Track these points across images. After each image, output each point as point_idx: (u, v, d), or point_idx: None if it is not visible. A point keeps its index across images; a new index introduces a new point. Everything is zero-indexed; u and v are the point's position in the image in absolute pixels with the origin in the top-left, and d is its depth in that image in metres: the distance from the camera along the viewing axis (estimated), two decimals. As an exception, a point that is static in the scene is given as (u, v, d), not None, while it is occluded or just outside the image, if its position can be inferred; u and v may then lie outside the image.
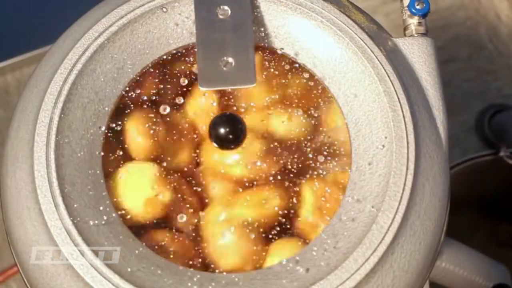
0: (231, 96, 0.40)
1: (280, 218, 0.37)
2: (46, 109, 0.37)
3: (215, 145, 0.37)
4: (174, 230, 0.37)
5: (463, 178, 0.71)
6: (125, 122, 0.38)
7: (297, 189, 0.37)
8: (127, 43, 0.39)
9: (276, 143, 0.38)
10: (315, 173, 0.38)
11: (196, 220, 0.37)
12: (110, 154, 0.38)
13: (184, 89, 0.40)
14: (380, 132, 0.37)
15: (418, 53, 0.40)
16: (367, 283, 0.34)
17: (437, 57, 0.41)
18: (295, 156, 0.38)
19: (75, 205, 0.35)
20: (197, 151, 0.39)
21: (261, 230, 0.37)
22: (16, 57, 0.84)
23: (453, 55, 0.90)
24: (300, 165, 0.38)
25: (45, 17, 0.83)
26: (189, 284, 0.34)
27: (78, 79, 0.38)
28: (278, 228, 0.37)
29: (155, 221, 0.37)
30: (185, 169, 0.38)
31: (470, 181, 0.72)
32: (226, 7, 0.38)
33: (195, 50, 0.39)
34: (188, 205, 0.37)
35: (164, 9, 0.39)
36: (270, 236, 0.37)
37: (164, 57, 0.40)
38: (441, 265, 0.57)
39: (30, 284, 0.37)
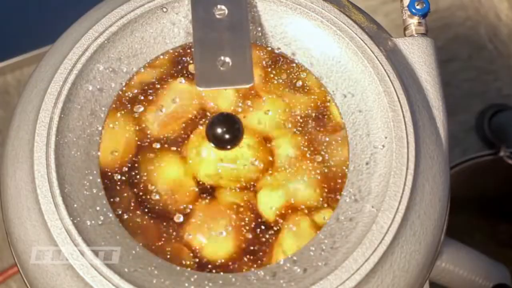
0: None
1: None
2: (46, 109, 0.37)
3: (212, 145, 0.37)
4: (171, 230, 0.37)
5: (463, 178, 0.71)
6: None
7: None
8: (125, 43, 0.39)
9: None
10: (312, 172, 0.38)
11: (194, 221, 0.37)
12: (108, 155, 0.38)
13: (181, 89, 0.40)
14: (380, 132, 0.37)
15: (418, 53, 0.40)
16: (367, 283, 0.34)
17: (437, 57, 0.41)
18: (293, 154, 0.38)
19: (75, 205, 0.35)
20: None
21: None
22: (16, 57, 0.84)
23: (453, 55, 0.90)
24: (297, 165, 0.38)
25: (45, 17, 0.83)
26: (186, 284, 0.34)
27: (78, 79, 0.38)
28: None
29: (152, 221, 0.37)
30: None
31: (470, 181, 0.72)
32: (223, 7, 0.38)
33: (192, 50, 0.39)
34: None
35: (164, 9, 0.39)
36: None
37: (161, 56, 0.40)
38: (441, 265, 0.57)
39: (30, 284, 0.37)
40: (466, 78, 0.90)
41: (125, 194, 0.37)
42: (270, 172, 0.38)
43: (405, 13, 0.42)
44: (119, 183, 0.37)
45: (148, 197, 0.37)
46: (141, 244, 0.36)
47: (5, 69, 0.85)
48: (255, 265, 0.36)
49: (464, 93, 0.89)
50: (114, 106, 0.39)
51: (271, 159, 0.38)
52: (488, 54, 0.91)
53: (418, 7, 0.42)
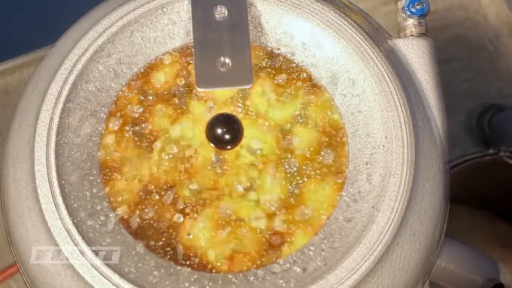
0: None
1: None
2: (47, 110, 0.37)
3: (213, 145, 0.37)
4: (171, 230, 0.37)
5: (463, 178, 0.71)
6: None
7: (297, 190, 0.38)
8: (125, 44, 0.39)
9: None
10: (312, 172, 0.38)
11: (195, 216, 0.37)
12: (108, 155, 0.38)
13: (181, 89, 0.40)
14: (380, 132, 0.37)
15: (418, 53, 0.41)
16: (366, 283, 0.34)
17: (436, 57, 0.41)
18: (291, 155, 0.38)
19: (75, 205, 0.35)
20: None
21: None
22: (16, 58, 0.84)
23: (453, 55, 0.90)
24: (296, 165, 0.38)
25: (45, 17, 0.83)
26: (187, 284, 0.34)
27: (78, 79, 0.38)
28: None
29: (152, 221, 0.37)
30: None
31: (470, 181, 0.72)
32: (223, 7, 0.39)
33: (192, 50, 0.39)
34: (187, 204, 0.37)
35: (164, 9, 0.40)
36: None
37: (161, 56, 0.40)
38: (441, 264, 0.57)
39: (31, 283, 0.37)
40: (466, 78, 0.90)
41: (126, 194, 0.37)
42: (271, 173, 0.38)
43: (405, 13, 0.42)
44: (119, 183, 0.37)
45: (149, 197, 0.37)
46: (141, 244, 0.36)
47: (5, 70, 0.85)
48: (255, 265, 0.36)
49: (464, 93, 0.89)
50: (114, 106, 0.39)
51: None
52: (488, 54, 0.91)
53: (417, 7, 0.42)
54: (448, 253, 0.58)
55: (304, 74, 0.40)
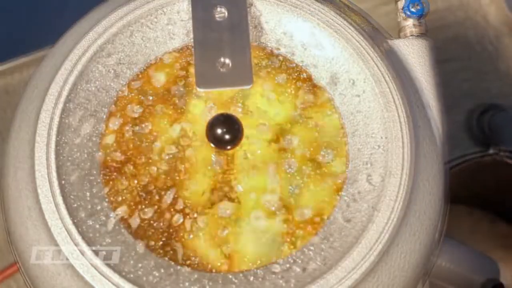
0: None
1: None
2: (47, 110, 0.37)
3: (213, 145, 0.37)
4: (171, 230, 0.37)
5: (463, 178, 0.71)
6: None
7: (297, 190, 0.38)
8: (125, 44, 0.39)
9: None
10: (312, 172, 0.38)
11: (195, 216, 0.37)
12: (108, 155, 0.38)
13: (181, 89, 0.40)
14: (380, 132, 0.37)
15: (418, 53, 0.41)
16: (366, 283, 0.34)
17: (436, 58, 0.41)
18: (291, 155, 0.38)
19: (75, 205, 0.36)
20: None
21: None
22: (16, 58, 0.84)
23: (452, 55, 0.90)
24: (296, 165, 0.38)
25: (45, 17, 0.83)
26: (187, 284, 0.35)
27: (79, 79, 0.38)
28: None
29: (152, 221, 0.37)
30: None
31: (470, 181, 0.72)
32: (223, 8, 0.39)
33: (192, 50, 0.39)
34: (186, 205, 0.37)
35: (164, 10, 0.40)
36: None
37: (161, 56, 0.40)
38: (441, 264, 0.57)
39: (31, 283, 0.37)
40: (465, 78, 0.90)
41: (126, 194, 0.37)
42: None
43: (404, 13, 0.42)
44: (119, 183, 0.37)
45: (149, 196, 0.37)
46: (141, 244, 0.36)
47: (5, 70, 0.85)
48: (255, 265, 0.36)
49: (464, 93, 0.89)
50: (114, 106, 0.39)
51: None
52: (488, 55, 0.91)
53: (417, 7, 0.42)
54: (448, 253, 0.58)
55: (304, 74, 0.40)
